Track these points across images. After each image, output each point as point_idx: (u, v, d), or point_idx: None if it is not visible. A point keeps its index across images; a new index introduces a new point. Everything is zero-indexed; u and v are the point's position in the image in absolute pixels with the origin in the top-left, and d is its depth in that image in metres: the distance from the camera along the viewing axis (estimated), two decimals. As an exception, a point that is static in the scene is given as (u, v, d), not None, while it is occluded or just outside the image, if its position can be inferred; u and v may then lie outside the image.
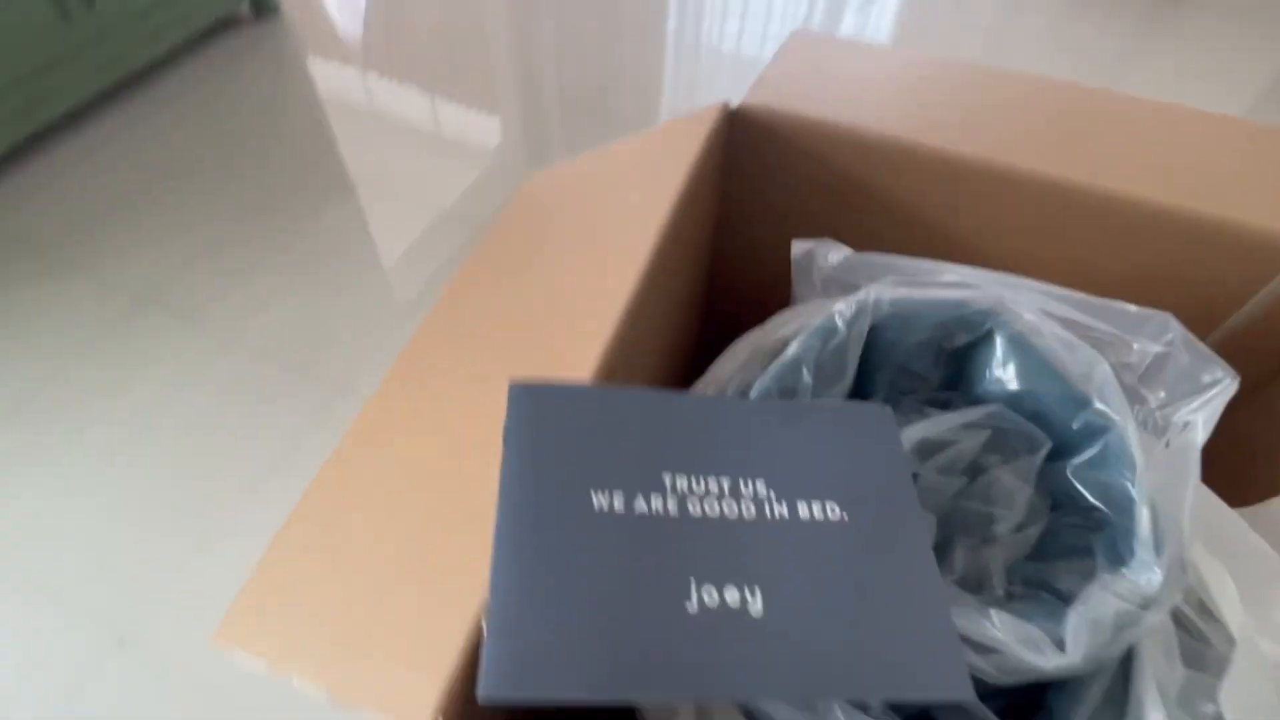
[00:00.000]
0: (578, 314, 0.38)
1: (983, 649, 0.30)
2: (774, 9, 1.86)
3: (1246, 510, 0.40)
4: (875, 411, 0.32)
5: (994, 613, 0.30)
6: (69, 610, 0.83)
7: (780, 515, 0.29)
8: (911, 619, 0.27)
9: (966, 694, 0.26)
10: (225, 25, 1.60)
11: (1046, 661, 0.29)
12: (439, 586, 0.31)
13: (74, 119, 1.35)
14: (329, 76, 1.57)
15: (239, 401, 1.02)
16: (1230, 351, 0.45)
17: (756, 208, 0.52)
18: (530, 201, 0.48)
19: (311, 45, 1.64)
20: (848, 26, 1.80)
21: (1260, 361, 0.44)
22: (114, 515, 0.92)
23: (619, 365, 0.38)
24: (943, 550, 0.38)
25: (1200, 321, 0.44)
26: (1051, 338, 0.35)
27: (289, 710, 0.77)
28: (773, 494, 0.29)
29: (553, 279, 0.42)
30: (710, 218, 0.53)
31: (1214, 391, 0.32)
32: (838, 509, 0.29)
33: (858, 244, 0.41)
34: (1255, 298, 0.42)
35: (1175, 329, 0.33)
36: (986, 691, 0.34)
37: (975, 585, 0.37)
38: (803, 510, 0.29)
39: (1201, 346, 0.33)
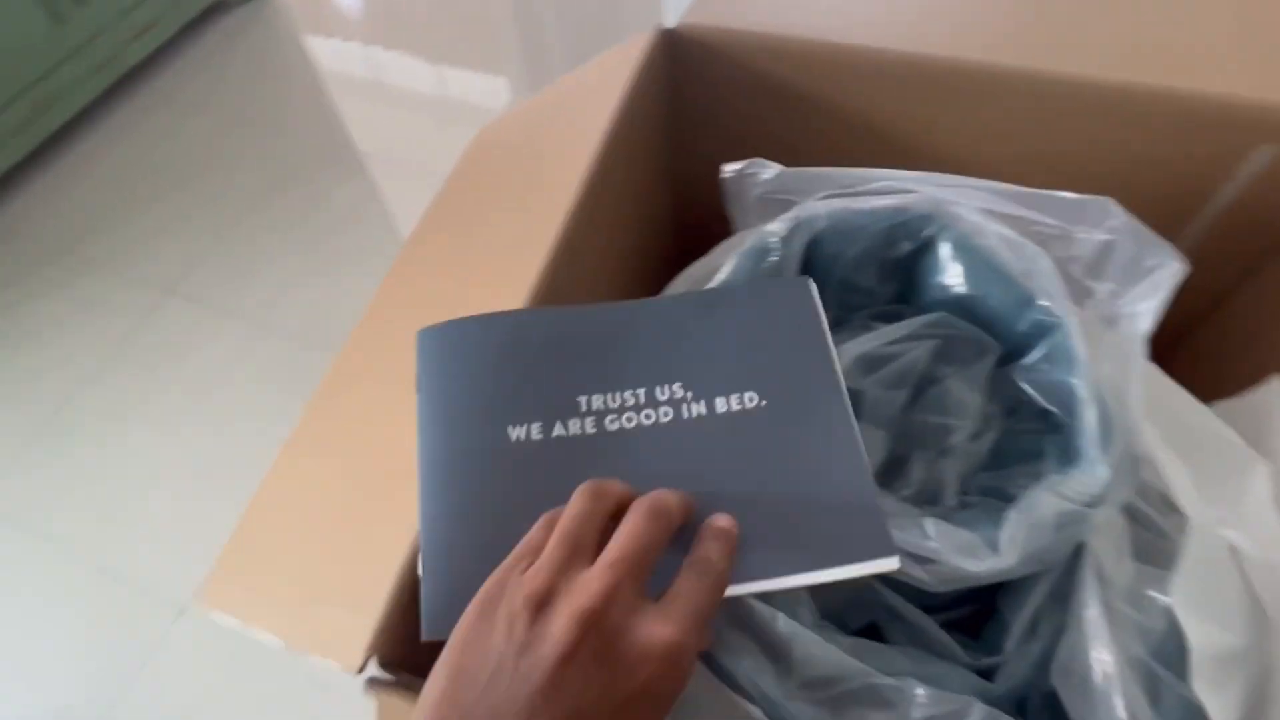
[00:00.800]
0: (513, 257, 0.38)
1: (921, 559, 0.30)
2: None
3: (1226, 402, 0.38)
4: (793, 286, 0.32)
5: (928, 522, 0.30)
6: (130, 584, 0.90)
7: (697, 414, 0.29)
8: (833, 494, 0.28)
9: (891, 559, 0.26)
10: (217, 8, 1.60)
11: (980, 565, 0.29)
12: (385, 534, 0.32)
13: (80, 122, 1.38)
14: (327, 51, 1.56)
15: (277, 381, 1.06)
16: (1214, 237, 0.42)
17: (710, 131, 0.51)
18: (481, 151, 0.47)
19: (305, 21, 1.63)
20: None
21: (1246, 244, 0.42)
22: (168, 493, 0.97)
23: (557, 299, 0.37)
24: (899, 465, 0.37)
25: (1179, 208, 0.42)
26: (994, 237, 0.34)
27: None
28: (689, 394, 0.30)
29: (495, 226, 0.42)
30: (659, 144, 0.52)
31: (1160, 276, 0.30)
32: (755, 396, 0.29)
33: (812, 161, 0.40)
34: (1234, 177, 0.39)
35: (1117, 213, 0.31)
36: (940, 603, 0.34)
37: (933, 498, 0.37)
38: (720, 404, 0.29)
39: (1145, 230, 0.31)
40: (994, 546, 0.29)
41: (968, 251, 0.35)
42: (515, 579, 0.22)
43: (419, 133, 1.39)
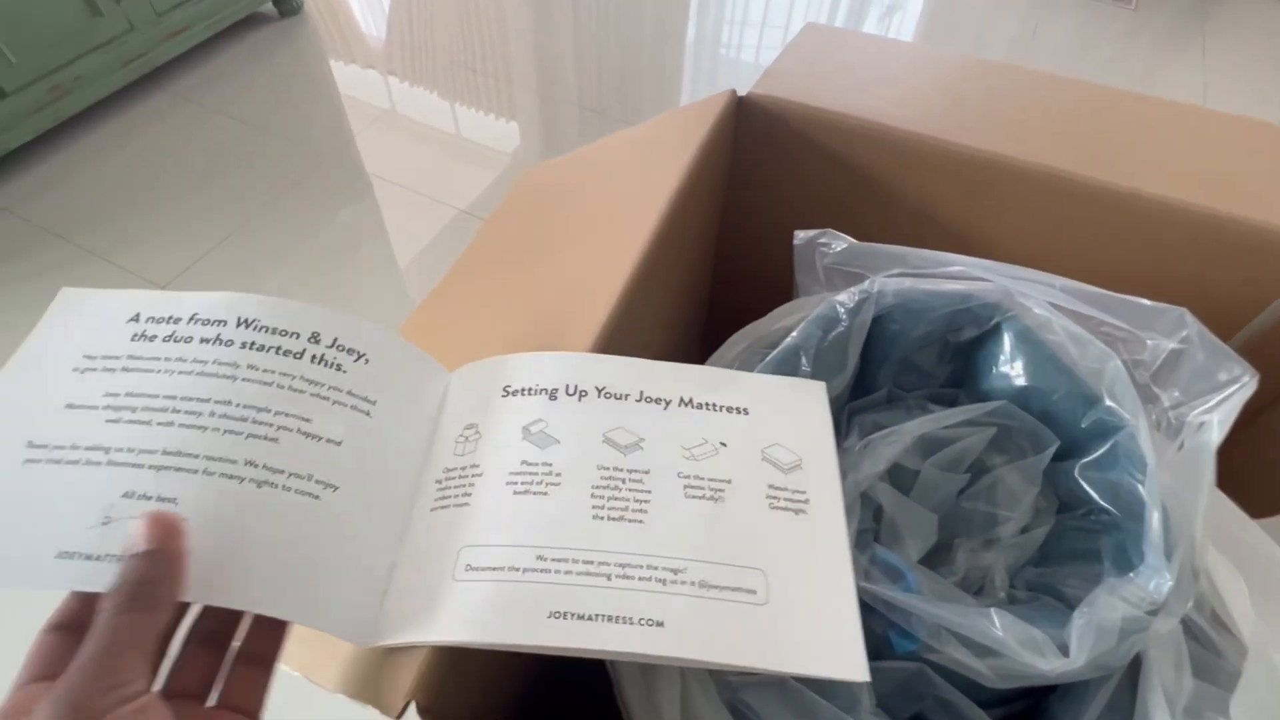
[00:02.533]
0: (576, 297, 0.38)
1: (982, 650, 0.29)
2: (794, 17, 1.86)
3: (1267, 521, 0.39)
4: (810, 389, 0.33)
5: (994, 612, 0.29)
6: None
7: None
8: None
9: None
10: (250, 22, 1.62)
11: (1048, 665, 0.28)
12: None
13: (97, 112, 1.37)
14: (350, 76, 1.58)
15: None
16: (1250, 358, 0.43)
17: (763, 198, 0.51)
18: (534, 188, 0.47)
19: (334, 45, 1.66)
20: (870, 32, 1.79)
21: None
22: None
23: (612, 346, 0.37)
24: (944, 550, 0.37)
25: (1219, 326, 0.43)
26: (1061, 332, 0.34)
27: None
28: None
29: (553, 263, 0.41)
30: (716, 207, 0.52)
31: (1232, 390, 0.31)
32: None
33: (868, 238, 0.40)
34: (1277, 301, 0.41)
35: (1191, 324, 0.32)
36: (987, 699, 0.33)
37: (977, 588, 0.36)
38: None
39: (1219, 343, 0.31)
40: (1062, 646, 0.29)
41: (1032, 344, 0.35)
42: None
43: (427, 165, 1.40)
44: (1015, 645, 0.28)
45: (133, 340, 0.28)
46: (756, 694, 0.28)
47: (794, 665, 0.25)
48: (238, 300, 0.29)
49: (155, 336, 0.28)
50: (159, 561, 0.22)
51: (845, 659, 0.25)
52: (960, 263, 0.36)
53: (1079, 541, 0.34)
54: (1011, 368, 0.36)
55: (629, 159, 0.46)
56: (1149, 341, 0.33)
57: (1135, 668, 0.31)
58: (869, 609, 0.30)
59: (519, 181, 0.49)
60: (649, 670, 0.31)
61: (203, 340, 0.28)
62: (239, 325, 0.29)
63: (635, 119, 1.51)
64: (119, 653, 0.20)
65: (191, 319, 0.28)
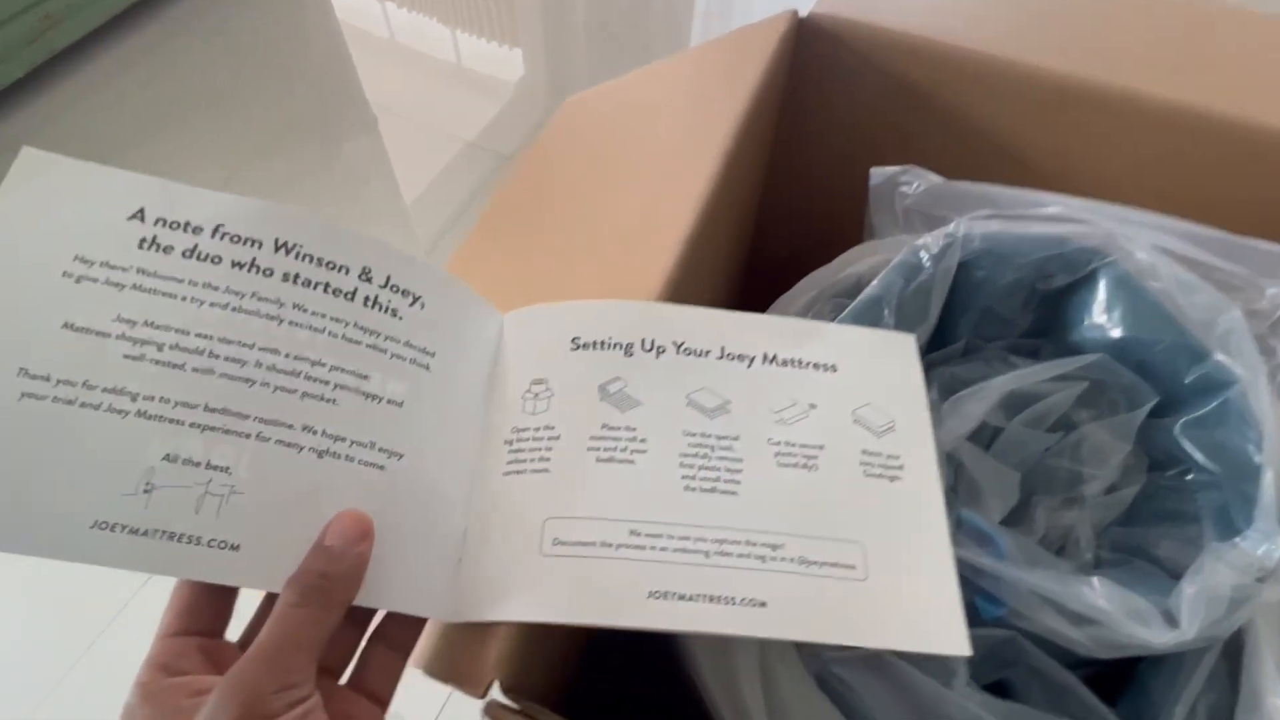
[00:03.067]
0: (634, 243, 0.35)
1: (1079, 619, 0.28)
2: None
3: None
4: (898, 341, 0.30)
5: (1097, 581, 0.27)
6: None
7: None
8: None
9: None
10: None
11: (1156, 636, 0.26)
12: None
13: (91, 43, 1.30)
14: (347, 4, 1.49)
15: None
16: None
17: (819, 132, 0.48)
18: (573, 122, 0.44)
19: (330, -33, 1.56)
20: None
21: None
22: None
23: (679, 296, 0.34)
24: (1022, 508, 0.35)
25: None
26: (1169, 279, 0.31)
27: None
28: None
29: (605, 205, 0.38)
30: (769, 143, 0.49)
31: (1362, 344, 0.28)
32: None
33: (939, 174, 0.37)
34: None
35: (1320, 272, 0.29)
36: (1071, 661, 0.31)
37: (1057, 547, 0.35)
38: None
39: (1351, 292, 0.29)
40: (1167, 615, 0.27)
41: (1133, 292, 0.32)
42: None
43: (430, 96, 1.34)
44: (1120, 615, 0.27)
45: (141, 248, 0.23)
46: (848, 667, 0.27)
47: (895, 641, 0.24)
48: (273, 214, 0.24)
49: (171, 248, 0.23)
50: (345, 561, 0.21)
51: (946, 633, 0.24)
52: (1058, 203, 0.33)
53: (1173, 502, 0.33)
54: (1108, 317, 0.33)
55: (681, 89, 0.42)
56: (1269, 290, 0.30)
57: (1234, 638, 0.29)
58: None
59: (556, 115, 0.45)
60: (723, 639, 0.30)
61: (235, 264, 0.23)
62: (278, 250, 0.24)
63: (649, 42, 1.43)
64: (293, 652, 0.19)
65: (217, 232, 0.24)
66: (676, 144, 0.38)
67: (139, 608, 0.79)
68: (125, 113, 1.25)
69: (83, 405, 0.21)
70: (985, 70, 0.40)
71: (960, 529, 0.31)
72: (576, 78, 1.40)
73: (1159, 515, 0.33)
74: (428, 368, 0.26)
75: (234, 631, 0.23)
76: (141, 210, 0.23)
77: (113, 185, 0.24)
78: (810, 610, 0.24)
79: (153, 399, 0.21)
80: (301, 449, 0.23)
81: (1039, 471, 0.35)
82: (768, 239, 0.54)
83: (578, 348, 0.29)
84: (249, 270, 0.24)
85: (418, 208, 1.18)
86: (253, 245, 0.24)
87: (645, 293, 0.33)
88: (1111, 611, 0.27)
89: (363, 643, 0.24)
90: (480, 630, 0.25)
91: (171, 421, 0.21)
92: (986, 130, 0.41)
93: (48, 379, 0.21)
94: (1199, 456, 0.31)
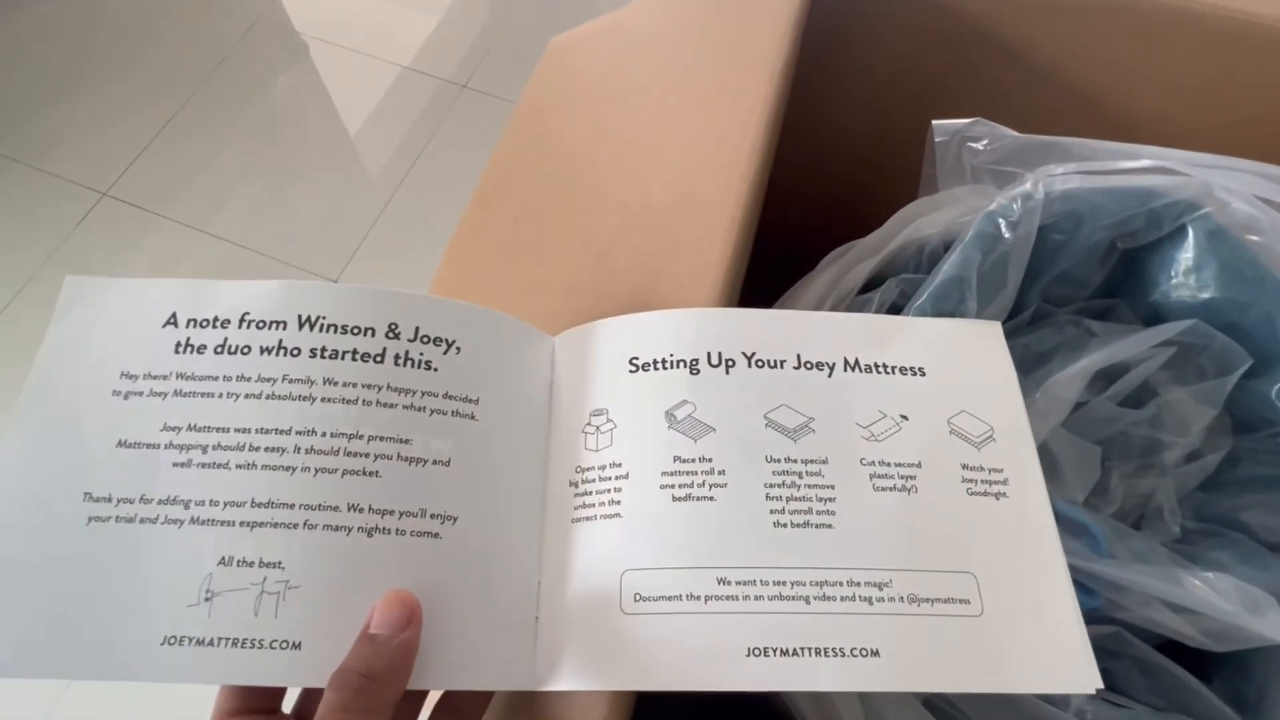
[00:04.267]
0: (678, 227, 0.31)
1: (1188, 611, 0.27)
2: None
3: None
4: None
5: (1211, 576, 0.26)
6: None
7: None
8: None
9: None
10: None
11: (1276, 631, 0.25)
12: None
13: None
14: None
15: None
16: None
17: (836, 84, 0.42)
18: (564, 72, 0.38)
19: None
20: None
21: None
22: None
23: (737, 288, 0.31)
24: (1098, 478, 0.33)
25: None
26: (1271, 231, 0.29)
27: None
28: None
29: (630, 178, 0.33)
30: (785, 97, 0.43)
31: None
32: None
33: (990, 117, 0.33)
34: None
35: None
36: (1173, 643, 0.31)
37: (1136, 516, 0.33)
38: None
39: None
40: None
41: (1229, 247, 0.30)
42: None
43: (364, 15, 1.21)
44: (1239, 610, 0.25)
45: (177, 353, 0.23)
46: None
47: (1020, 683, 0.22)
48: (292, 292, 0.24)
49: (205, 347, 0.24)
50: (388, 654, 0.19)
51: (1074, 669, 0.22)
52: (1150, 154, 0.29)
53: (1262, 466, 0.31)
54: (1197, 276, 0.31)
55: (694, 29, 0.36)
56: (1383, 242, 0.28)
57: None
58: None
59: (542, 63, 0.39)
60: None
61: (264, 350, 0.23)
62: (302, 326, 0.24)
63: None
64: None
65: (243, 321, 0.24)
66: (704, 98, 0.33)
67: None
68: (36, 68, 1.11)
69: (142, 521, 0.21)
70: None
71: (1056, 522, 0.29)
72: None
73: (1247, 481, 0.32)
74: (473, 417, 0.24)
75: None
76: (174, 315, 0.24)
77: (146, 295, 0.24)
78: (927, 656, 0.22)
79: (204, 503, 0.22)
80: (350, 530, 0.22)
81: (1115, 439, 0.33)
82: (781, 193, 0.50)
83: (637, 369, 0.26)
84: (276, 354, 0.23)
85: (362, 140, 1.09)
86: (278, 328, 0.24)
87: (700, 289, 0.29)
88: (1230, 609, 0.26)
89: (424, 714, 0.22)
90: (568, 699, 0.23)
91: (223, 524, 0.21)
92: (1039, 65, 0.37)
93: (109, 499, 0.21)
94: (1297, 423, 0.30)
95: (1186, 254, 0.31)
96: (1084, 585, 0.28)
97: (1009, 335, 0.34)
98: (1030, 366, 0.32)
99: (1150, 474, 0.33)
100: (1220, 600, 0.26)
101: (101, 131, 1.05)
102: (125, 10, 1.18)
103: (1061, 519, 0.29)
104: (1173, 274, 0.31)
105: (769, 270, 0.38)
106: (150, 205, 1.01)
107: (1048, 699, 0.25)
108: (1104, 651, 0.29)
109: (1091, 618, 0.29)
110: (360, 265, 0.98)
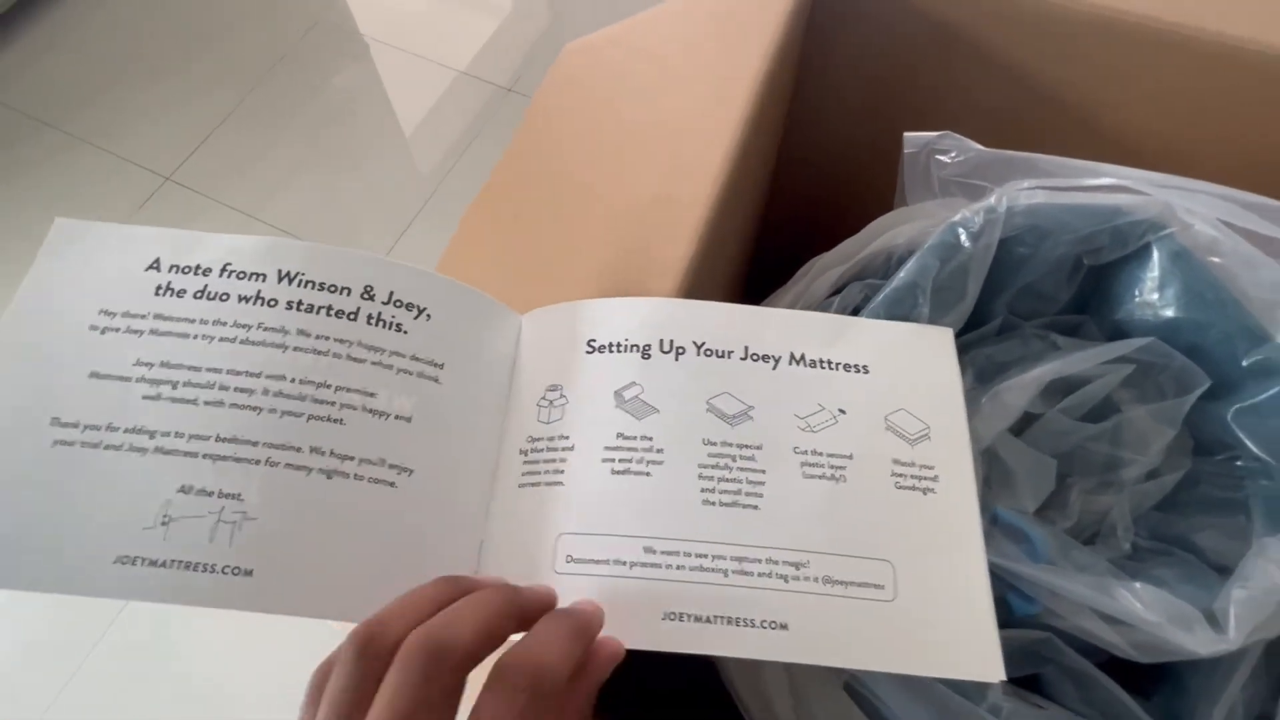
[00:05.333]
0: (652, 222, 0.32)
1: (1118, 623, 0.27)
2: None
3: None
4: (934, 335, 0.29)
5: (1140, 587, 0.26)
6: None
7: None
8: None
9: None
10: None
11: (1202, 645, 0.25)
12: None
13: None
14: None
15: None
16: None
17: (835, 82, 0.44)
18: (576, 74, 0.40)
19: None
20: None
21: None
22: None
23: (699, 282, 0.32)
24: (1056, 492, 0.34)
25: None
26: (1232, 255, 0.29)
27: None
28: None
29: (616, 175, 0.35)
30: (788, 95, 0.45)
31: None
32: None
33: (971, 134, 0.34)
34: None
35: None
36: (1105, 655, 0.31)
37: (1092, 532, 0.33)
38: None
39: None
40: (1210, 617, 0.26)
41: (1190, 268, 0.30)
42: None
43: (424, 19, 1.26)
44: (1163, 622, 0.26)
45: (157, 295, 0.25)
46: (876, 677, 0.27)
47: (925, 667, 0.23)
48: (275, 247, 0.26)
49: (184, 291, 0.25)
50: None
51: (979, 659, 0.23)
52: (1112, 173, 0.30)
53: (1218, 489, 0.31)
54: (1160, 295, 0.31)
55: (693, 39, 0.38)
56: (1343, 269, 0.28)
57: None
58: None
59: (556, 65, 0.41)
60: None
61: (241, 299, 0.25)
62: (281, 280, 0.25)
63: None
64: None
65: (224, 270, 0.25)
66: (692, 105, 0.35)
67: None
68: (109, 54, 1.19)
69: (106, 447, 0.22)
70: (1022, 9, 0.36)
71: (995, 525, 0.30)
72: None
73: (1202, 503, 0.32)
74: (437, 380, 0.26)
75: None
76: (158, 260, 0.25)
77: (133, 240, 0.26)
78: (835, 633, 0.23)
79: (169, 435, 0.23)
80: (310, 471, 0.23)
81: (1075, 454, 0.33)
82: (781, 201, 0.51)
83: (594, 350, 0.28)
84: (254, 303, 0.25)
85: (416, 140, 1.14)
86: (257, 279, 0.25)
87: (663, 281, 0.31)
88: (1154, 620, 0.26)
89: None
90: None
91: (186, 455, 0.23)
92: (1027, 79, 0.37)
93: (76, 425, 0.22)
94: (1252, 445, 0.30)
95: (1151, 273, 0.31)
96: (1022, 592, 0.29)
97: (975, 345, 0.35)
98: (991, 376, 0.33)
99: (1109, 490, 0.33)
100: (1145, 611, 0.26)
101: (167, 119, 1.12)
102: (193, 5, 1.25)
103: (1001, 524, 0.30)
104: (1137, 292, 0.32)
105: (777, 279, 0.39)
106: (209, 191, 1.07)
107: (962, 691, 0.26)
108: (1036, 657, 0.29)
109: (1025, 623, 0.29)
110: (398, 254, 1.02)
